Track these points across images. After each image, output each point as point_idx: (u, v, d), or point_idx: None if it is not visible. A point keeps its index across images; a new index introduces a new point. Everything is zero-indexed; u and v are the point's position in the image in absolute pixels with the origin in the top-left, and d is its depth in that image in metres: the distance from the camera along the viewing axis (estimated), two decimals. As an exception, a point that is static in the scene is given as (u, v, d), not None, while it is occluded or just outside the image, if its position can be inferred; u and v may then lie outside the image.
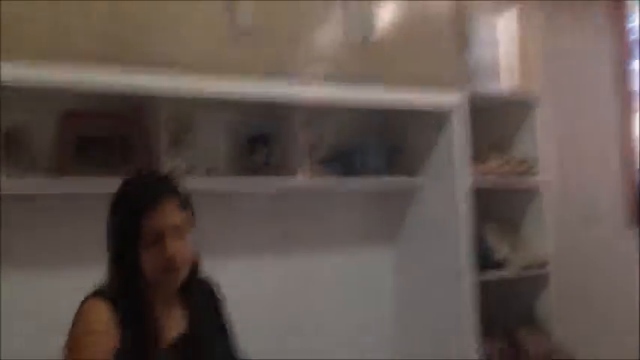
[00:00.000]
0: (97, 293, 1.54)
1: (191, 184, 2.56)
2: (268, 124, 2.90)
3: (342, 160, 3.08)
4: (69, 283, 2.22)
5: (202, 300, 1.67)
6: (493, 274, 3.15)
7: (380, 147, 3.16)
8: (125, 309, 1.48)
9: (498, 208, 3.44)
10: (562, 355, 3.18)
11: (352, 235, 3.20)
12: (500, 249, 3.28)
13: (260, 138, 2.87)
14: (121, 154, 2.54)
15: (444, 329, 3.06)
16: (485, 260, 3.15)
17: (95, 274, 1.59)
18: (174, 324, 1.59)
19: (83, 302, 1.52)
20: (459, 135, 3.05)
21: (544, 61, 3.37)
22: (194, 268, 1.62)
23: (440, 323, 3.08)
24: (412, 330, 3.21)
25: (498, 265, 3.19)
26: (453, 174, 3.06)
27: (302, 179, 2.81)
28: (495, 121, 3.46)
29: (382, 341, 3.22)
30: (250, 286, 2.82)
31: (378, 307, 3.23)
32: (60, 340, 1.53)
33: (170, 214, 1.49)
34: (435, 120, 3.10)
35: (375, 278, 3.24)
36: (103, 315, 1.47)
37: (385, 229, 3.29)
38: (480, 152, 3.35)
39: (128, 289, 1.50)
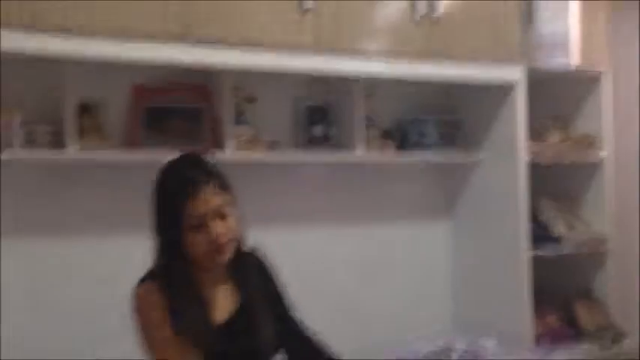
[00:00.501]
0: (148, 277, 1.63)
1: (253, 156, 2.70)
2: (329, 97, 2.97)
3: (401, 134, 3.13)
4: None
5: (252, 273, 1.72)
6: (550, 250, 3.16)
7: (439, 121, 3.19)
8: (174, 292, 1.57)
9: (558, 184, 3.43)
10: (616, 331, 3.18)
11: (409, 208, 3.25)
12: (558, 225, 3.28)
13: (320, 111, 2.94)
14: (190, 125, 2.65)
15: (500, 303, 3.10)
16: (542, 235, 3.17)
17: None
18: (226, 302, 1.66)
19: (137, 287, 1.62)
20: (520, 109, 3.05)
21: (609, 35, 3.30)
22: (238, 244, 1.68)
23: (495, 297, 3.12)
24: (468, 303, 3.26)
25: (556, 240, 3.19)
26: (513, 149, 3.07)
27: (361, 153, 2.87)
28: (558, 96, 3.44)
29: (438, 315, 3.28)
30: (305, 257, 2.92)
31: (434, 281, 3.29)
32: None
33: (211, 198, 1.56)
34: (496, 95, 3.11)
35: (432, 252, 3.30)
36: (155, 296, 1.57)
37: (442, 203, 3.33)
38: (541, 127, 3.34)
39: (175, 273, 1.58)
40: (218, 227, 1.56)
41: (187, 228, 1.55)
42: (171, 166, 1.62)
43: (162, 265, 1.59)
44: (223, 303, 1.65)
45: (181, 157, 1.65)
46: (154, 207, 1.61)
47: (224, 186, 1.61)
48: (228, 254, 1.61)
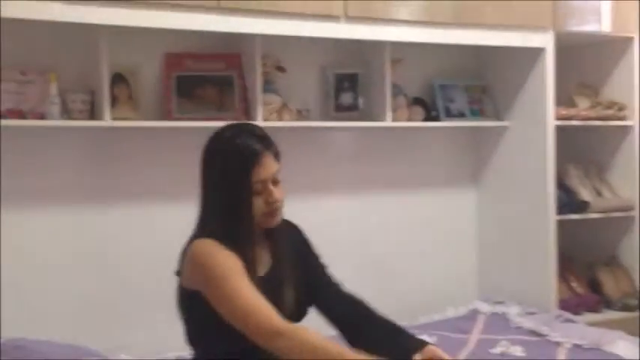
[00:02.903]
0: (207, 235, 1.67)
1: (282, 124, 2.74)
2: (358, 65, 2.98)
3: (430, 101, 3.14)
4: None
5: (284, 234, 1.80)
6: (576, 215, 3.18)
7: (468, 87, 3.20)
8: (240, 250, 1.64)
9: (585, 150, 3.43)
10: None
11: (437, 174, 3.28)
12: (585, 190, 3.28)
13: (349, 79, 2.95)
14: (220, 93, 2.70)
15: (525, 269, 3.13)
16: (568, 201, 3.18)
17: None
18: (261, 264, 1.74)
19: (196, 242, 1.67)
20: (549, 75, 3.05)
21: (641, 0, 3.26)
22: None
23: (521, 263, 3.16)
24: (494, 268, 3.30)
25: (582, 206, 3.21)
26: (541, 114, 3.07)
27: (389, 121, 2.89)
28: (588, 62, 3.42)
29: (465, 279, 3.33)
30: (334, 223, 2.98)
31: (461, 246, 3.34)
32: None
33: (270, 166, 1.68)
34: (525, 60, 3.10)
35: (459, 218, 3.33)
36: (226, 250, 1.62)
37: (470, 169, 3.36)
38: (570, 93, 3.33)
39: (242, 232, 1.66)
40: (275, 192, 1.67)
41: (253, 193, 1.66)
42: (233, 135, 1.70)
43: (223, 225, 1.66)
44: (259, 265, 1.73)
45: (238, 126, 1.75)
46: (214, 173, 1.69)
47: (277, 156, 1.72)
48: (280, 217, 1.73)
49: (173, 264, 2.80)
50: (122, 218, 2.66)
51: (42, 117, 2.43)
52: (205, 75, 2.70)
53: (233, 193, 1.65)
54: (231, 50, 2.75)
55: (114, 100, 2.53)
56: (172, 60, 2.68)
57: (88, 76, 2.52)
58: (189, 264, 1.66)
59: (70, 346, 2.31)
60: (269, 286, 1.65)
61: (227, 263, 1.61)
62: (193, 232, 1.73)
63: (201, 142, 2.94)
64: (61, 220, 2.56)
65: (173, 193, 2.71)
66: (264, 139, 1.70)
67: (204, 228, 1.70)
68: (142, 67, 2.66)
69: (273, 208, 1.69)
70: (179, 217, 2.68)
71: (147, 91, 2.68)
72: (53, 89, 2.42)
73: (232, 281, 1.58)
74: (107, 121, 2.45)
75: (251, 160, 1.65)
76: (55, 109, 2.42)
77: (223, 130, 1.73)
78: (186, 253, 1.68)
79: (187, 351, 2.43)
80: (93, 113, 2.51)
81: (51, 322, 2.46)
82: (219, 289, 1.59)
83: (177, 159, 2.72)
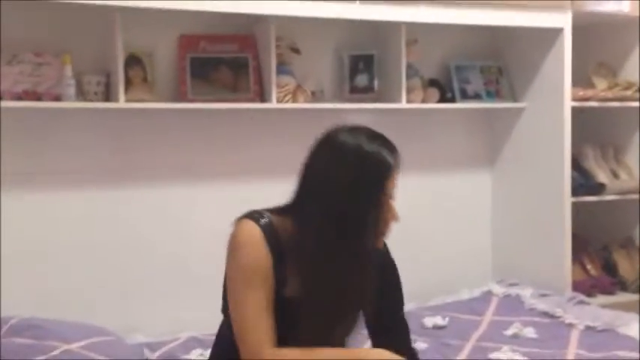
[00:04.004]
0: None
1: (296, 106, 2.74)
2: (372, 46, 2.96)
3: (446, 83, 3.12)
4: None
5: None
6: (592, 197, 3.16)
7: (484, 68, 3.18)
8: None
9: (602, 131, 3.40)
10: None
11: (454, 156, 3.27)
12: (601, 172, 3.26)
13: (364, 60, 2.94)
14: (235, 74, 2.70)
15: (540, 250, 3.12)
16: (584, 183, 3.16)
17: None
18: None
19: (241, 223, 1.54)
20: (567, 55, 3.02)
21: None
22: None
23: (536, 244, 3.15)
24: (509, 250, 3.29)
25: (598, 187, 3.19)
26: (558, 95, 3.04)
27: (404, 104, 2.88)
28: (606, 43, 3.38)
29: (479, 261, 3.33)
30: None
31: (476, 227, 3.33)
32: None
33: (396, 181, 1.57)
34: (542, 40, 3.07)
35: (475, 199, 3.33)
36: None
37: (486, 150, 3.34)
38: (588, 74, 3.29)
39: (362, 241, 1.52)
40: (396, 209, 1.58)
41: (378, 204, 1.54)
42: (369, 144, 1.54)
43: (324, 234, 1.51)
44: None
45: (372, 135, 1.57)
46: (342, 174, 1.50)
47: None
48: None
49: (186, 245, 2.84)
50: (137, 200, 2.68)
51: (57, 98, 2.45)
52: (220, 57, 2.70)
53: (357, 200, 1.50)
54: (245, 32, 2.75)
55: (129, 82, 2.54)
56: (187, 42, 2.68)
57: (103, 57, 2.53)
58: (229, 238, 1.56)
59: (85, 325, 2.35)
60: (305, 310, 1.51)
61: (249, 265, 1.49)
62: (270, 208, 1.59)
63: (216, 123, 2.98)
64: (76, 200, 2.59)
65: (187, 175, 2.74)
66: (395, 152, 1.56)
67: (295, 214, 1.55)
68: (157, 49, 2.67)
69: (389, 227, 1.58)
70: (192, 198, 2.76)
71: (161, 72, 2.68)
72: (68, 71, 2.43)
73: (243, 289, 1.49)
74: (121, 103, 2.46)
75: (388, 171, 1.53)
76: (71, 90, 2.43)
77: (356, 136, 1.55)
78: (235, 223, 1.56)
79: (200, 331, 2.51)
80: (108, 95, 2.52)
81: (62, 304, 2.48)
82: (230, 289, 1.53)
83: (193, 140, 2.75)
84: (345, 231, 1.49)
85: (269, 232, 1.52)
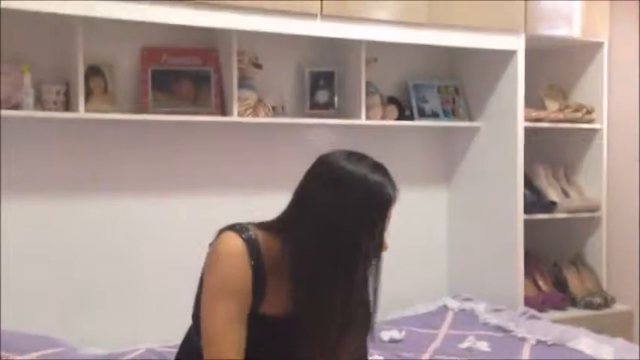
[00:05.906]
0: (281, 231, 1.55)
1: (257, 120, 2.76)
2: (333, 64, 3.01)
3: (405, 101, 3.18)
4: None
5: None
6: (543, 215, 3.25)
7: (441, 88, 3.25)
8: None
9: (554, 151, 3.50)
10: (605, 296, 3.29)
11: (410, 173, 3.31)
12: (552, 191, 3.36)
13: (325, 77, 2.98)
14: (196, 88, 2.71)
15: (493, 267, 3.19)
16: (536, 201, 3.25)
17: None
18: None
19: (226, 235, 1.53)
20: (520, 77, 3.11)
21: (611, 6, 3.33)
22: None
23: (489, 261, 3.21)
24: (463, 266, 3.35)
25: (549, 206, 3.28)
26: (511, 116, 3.13)
27: (363, 120, 2.93)
28: (558, 66, 3.49)
29: (435, 277, 3.37)
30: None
31: (431, 244, 3.38)
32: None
33: (391, 214, 1.58)
34: (496, 62, 3.16)
35: (430, 216, 3.39)
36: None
37: (442, 168, 3.41)
38: (540, 95, 3.40)
39: (355, 267, 1.53)
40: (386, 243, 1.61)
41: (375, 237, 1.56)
42: (373, 174, 1.55)
43: (322, 257, 1.51)
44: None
45: (375, 165, 1.58)
46: (343, 200, 1.50)
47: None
48: None
49: (144, 257, 2.82)
50: (95, 211, 2.66)
51: (16, 107, 2.42)
52: (182, 69, 2.72)
53: (352, 225, 1.50)
54: (208, 45, 2.77)
55: (89, 93, 2.53)
56: (149, 54, 2.69)
57: (64, 67, 2.52)
58: (212, 245, 1.55)
59: (39, 337, 2.33)
60: (284, 329, 1.52)
61: (227, 277, 1.48)
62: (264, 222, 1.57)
63: (177, 136, 2.98)
64: (31, 211, 2.56)
65: (147, 187, 2.73)
66: (393, 182, 1.58)
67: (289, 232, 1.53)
68: (119, 60, 2.67)
69: (383, 248, 1.62)
70: (151, 210, 2.75)
71: (123, 84, 2.68)
72: (27, 80, 2.42)
73: (217, 299, 1.48)
74: (81, 113, 2.45)
75: (389, 200, 1.55)
76: (29, 99, 2.42)
77: (343, 159, 1.56)
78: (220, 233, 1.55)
79: (158, 343, 2.49)
80: (68, 105, 2.51)
81: (19, 316, 2.45)
82: (204, 298, 1.51)
83: (153, 153, 2.74)
84: (340, 256, 1.49)
85: (251, 246, 1.52)
